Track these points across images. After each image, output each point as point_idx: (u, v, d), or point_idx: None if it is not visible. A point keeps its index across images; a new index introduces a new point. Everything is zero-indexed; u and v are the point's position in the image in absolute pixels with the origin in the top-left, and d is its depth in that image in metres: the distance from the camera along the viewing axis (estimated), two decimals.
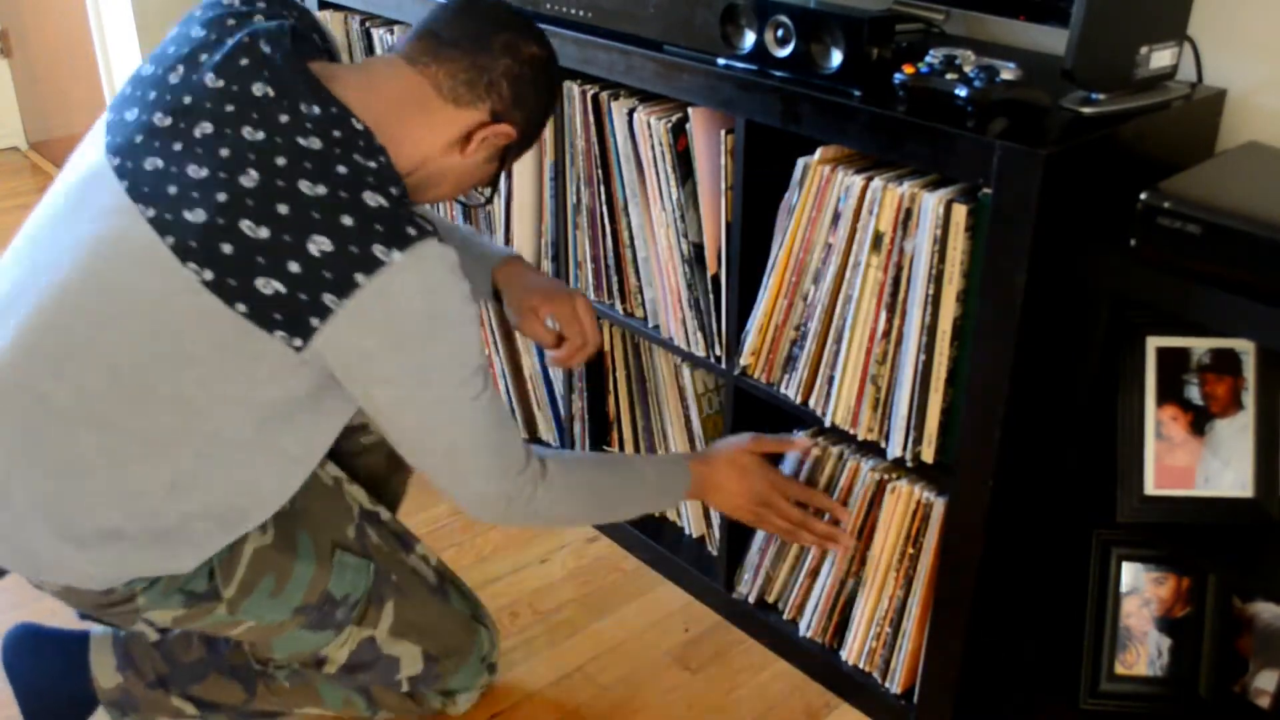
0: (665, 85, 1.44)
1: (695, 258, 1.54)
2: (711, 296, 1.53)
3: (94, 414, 1.07)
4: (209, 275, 1.00)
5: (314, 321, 1.02)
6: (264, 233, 0.99)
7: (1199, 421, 1.22)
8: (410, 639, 1.35)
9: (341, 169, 1.02)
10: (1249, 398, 1.22)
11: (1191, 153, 1.32)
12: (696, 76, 1.39)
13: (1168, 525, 1.21)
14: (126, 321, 1.04)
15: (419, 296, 1.04)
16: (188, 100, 1.05)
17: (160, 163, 1.04)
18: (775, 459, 1.52)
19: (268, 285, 1.00)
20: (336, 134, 1.03)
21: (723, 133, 1.43)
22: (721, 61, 1.38)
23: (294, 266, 1.00)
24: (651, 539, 1.81)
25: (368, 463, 1.50)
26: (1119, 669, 1.35)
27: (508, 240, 1.86)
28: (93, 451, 1.07)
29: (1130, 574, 1.34)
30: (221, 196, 1.00)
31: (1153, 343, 1.22)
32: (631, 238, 1.62)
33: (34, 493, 1.09)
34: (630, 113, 1.52)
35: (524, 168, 1.76)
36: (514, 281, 1.46)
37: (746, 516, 1.45)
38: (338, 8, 2.09)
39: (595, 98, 1.58)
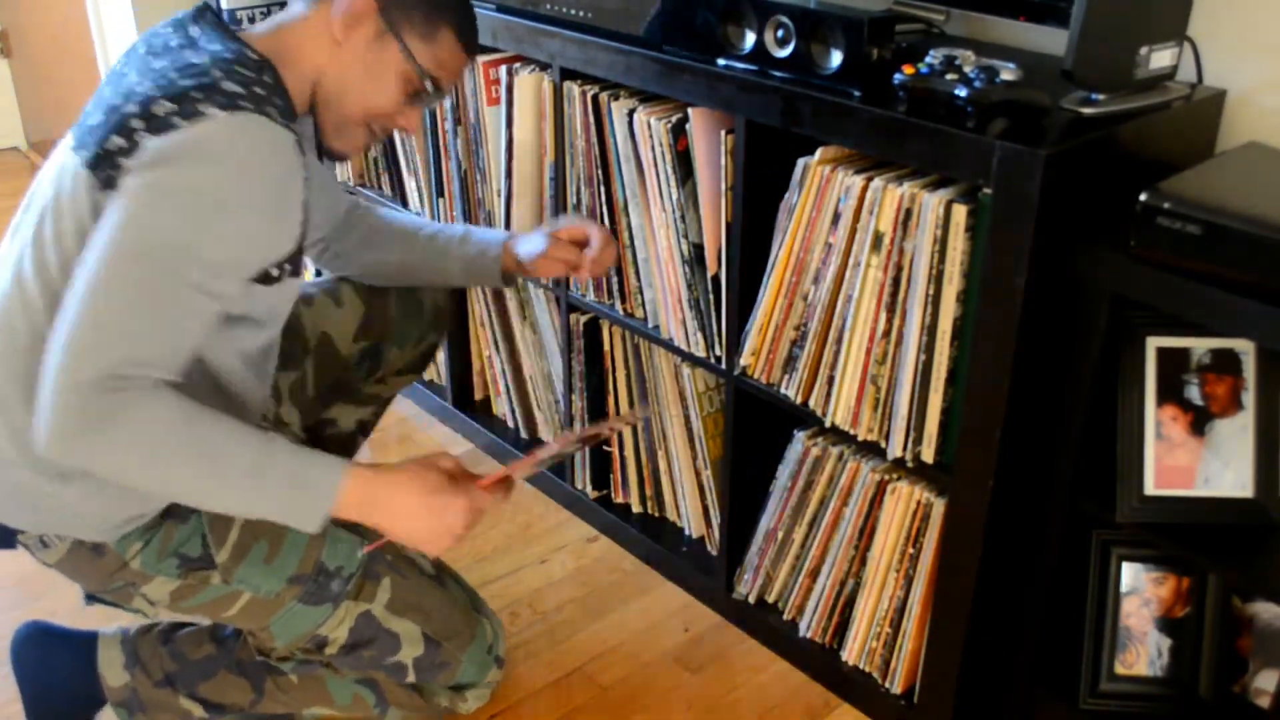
0: (665, 85, 1.44)
1: (695, 258, 1.54)
2: (711, 297, 1.53)
3: (40, 334, 1.09)
4: (85, 154, 1.08)
5: (121, 160, 1.05)
6: (132, 108, 1.05)
7: (1199, 421, 1.22)
8: (409, 617, 1.35)
9: (216, 73, 1.07)
10: (1249, 398, 1.22)
11: (1191, 153, 1.32)
12: (696, 76, 1.39)
13: (1168, 525, 1.21)
14: (55, 235, 1.11)
15: (221, 142, 1.03)
16: (122, 68, 1.16)
17: (93, 111, 1.13)
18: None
19: (112, 142, 1.05)
20: (227, 56, 1.10)
21: (723, 133, 1.43)
22: (721, 62, 1.38)
23: (135, 123, 1.04)
24: (651, 539, 1.81)
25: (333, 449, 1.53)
26: (1119, 669, 1.35)
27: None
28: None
29: (1130, 574, 1.34)
30: (116, 101, 1.08)
31: (1153, 343, 1.22)
32: (631, 238, 1.62)
33: (13, 430, 1.14)
34: (630, 113, 1.52)
35: (524, 167, 1.76)
36: (521, 238, 1.50)
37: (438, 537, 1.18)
38: None
39: (595, 98, 1.58)
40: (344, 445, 1.64)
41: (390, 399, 1.70)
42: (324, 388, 1.54)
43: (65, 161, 1.13)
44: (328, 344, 1.52)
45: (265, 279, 1.13)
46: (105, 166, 1.05)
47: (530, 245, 1.48)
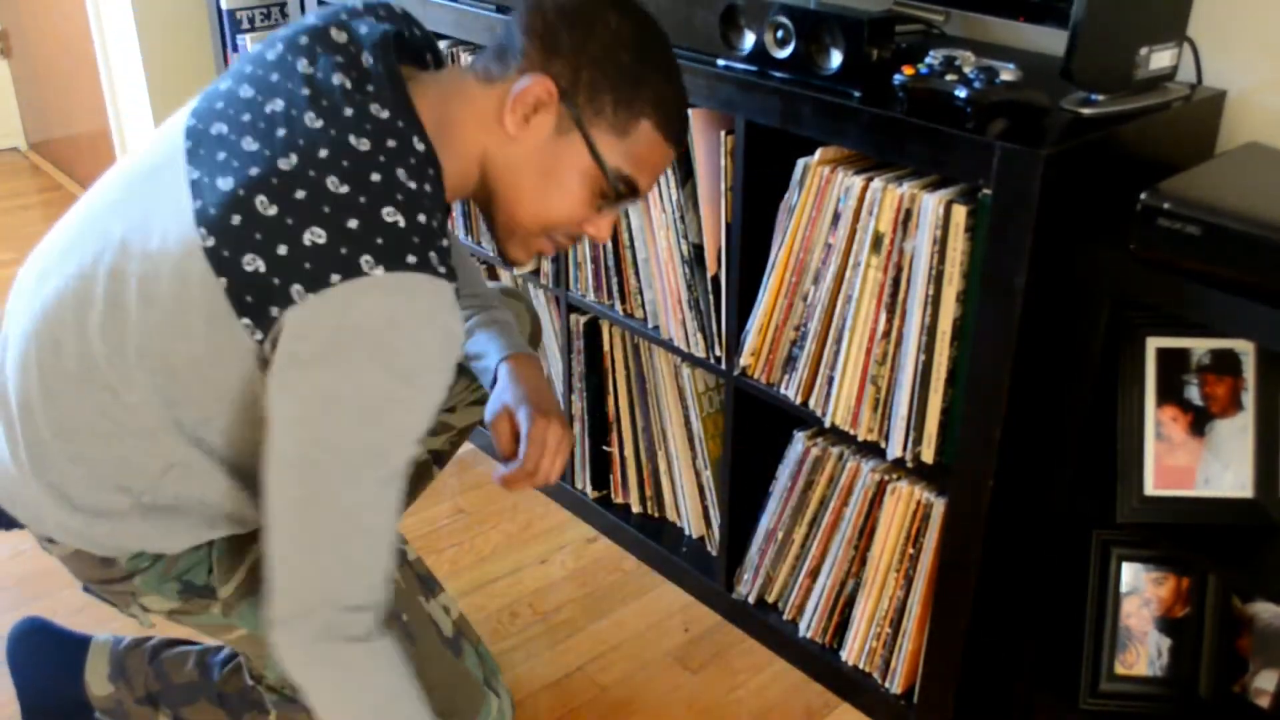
0: None
1: (695, 258, 1.54)
2: (711, 297, 1.53)
3: (87, 374, 1.03)
4: (211, 242, 0.95)
5: (274, 311, 0.93)
6: (272, 211, 0.93)
7: (1199, 422, 1.22)
8: None
9: (376, 177, 0.94)
10: (1249, 398, 1.22)
11: (1191, 153, 1.32)
12: (696, 77, 1.39)
13: (1168, 525, 1.21)
14: (141, 275, 1.00)
15: (381, 319, 0.92)
16: (274, 78, 1.02)
17: (225, 129, 1.00)
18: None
19: (252, 263, 0.93)
20: (391, 144, 0.96)
21: (723, 133, 1.43)
22: (721, 62, 1.38)
23: (282, 249, 0.93)
24: (651, 539, 1.81)
25: None
26: (1119, 669, 1.35)
27: None
28: (85, 415, 1.04)
29: (1130, 574, 1.34)
30: (254, 170, 0.95)
31: (1153, 343, 1.22)
32: (631, 238, 1.62)
33: (33, 451, 1.07)
34: None
35: None
36: (515, 374, 1.28)
37: None
38: None
39: None
40: (417, 475, 1.50)
41: (469, 428, 1.51)
42: None
43: (179, 192, 0.99)
44: None
45: None
46: (242, 288, 0.94)
47: (494, 395, 1.29)
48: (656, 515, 1.87)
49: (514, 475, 1.22)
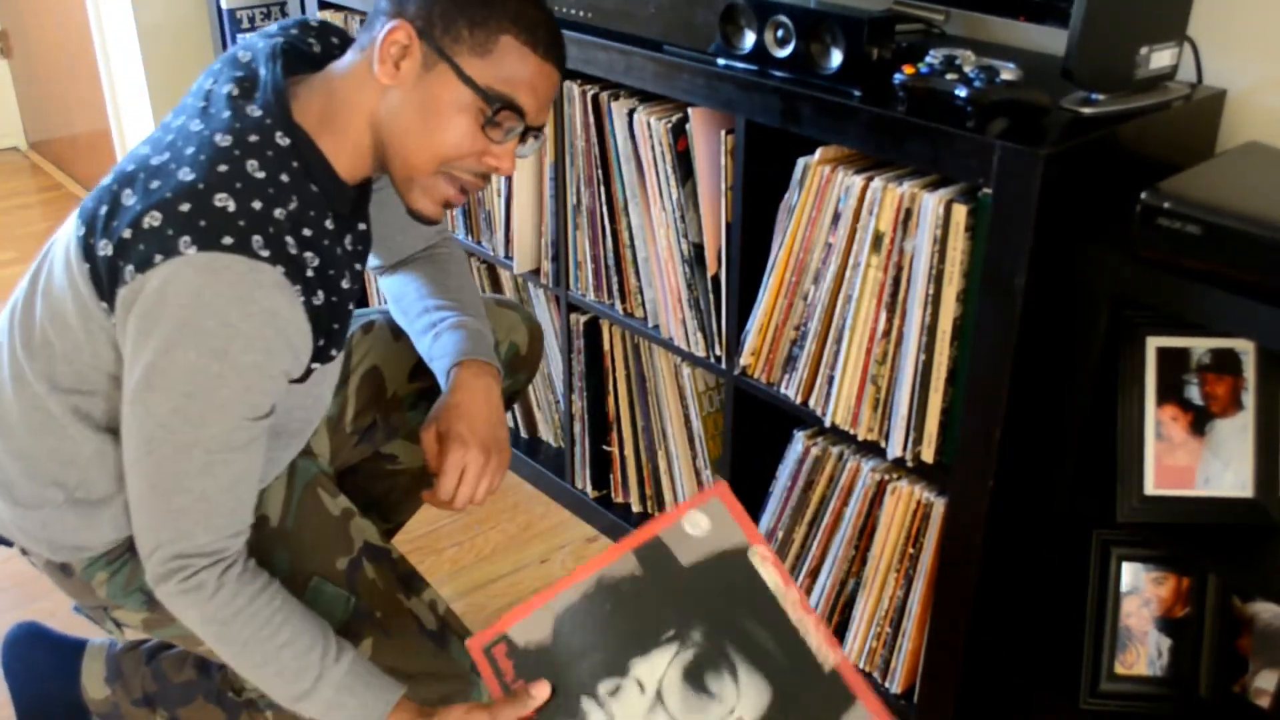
0: (665, 85, 1.44)
1: (695, 258, 1.54)
2: (711, 296, 1.53)
3: (16, 375, 1.11)
4: (81, 231, 1.02)
5: (119, 291, 0.99)
6: (131, 200, 0.99)
7: (1199, 421, 1.22)
8: None
9: (223, 168, 0.98)
10: (1249, 398, 1.22)
11: (1191, 153, 1.32)
12: (696, 76, 1.39)
13: (1168, 525, 1.21)
14: (35, 290, 1.10)
15: (188, 296, 0.95)
16: (188, 100, 1.09)
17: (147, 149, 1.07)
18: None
19: (105, 247, 0.99)
20: (252, 139, 1.01)
21: (723, 133, 1.43)
22: (721, 61, 1.38)
23: (126, 233, 0.98)
24: None
25: (385, 486, 1.48)
26: (1119, 669, 1.35)
27: (508, 240, 1.86)
28: (19, 410, 1.12)
29: (1130, 574, 1.34)
30: (130, 168, 1.02)
31: (1153, 343, 1.22)
32: (631, 238, 1.62)
33: None
34: (630, 113, 1.52)
35: (524, 168, 1.76)
36: (457, 384, 1.25)
37: None
38: (338, 8, 2.10)
39: (595, 98, 1.58)
40: (414, 480, 1.49)
41: None
42: (365, 424, 1.41)
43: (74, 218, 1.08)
44: (376, 379, 1.39)
45: (302, 377, 1.07)
46: (99, 272, 1.01)
47: (433, 408, 1.26)
48: (656, 514, 1.87)
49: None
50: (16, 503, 1.14)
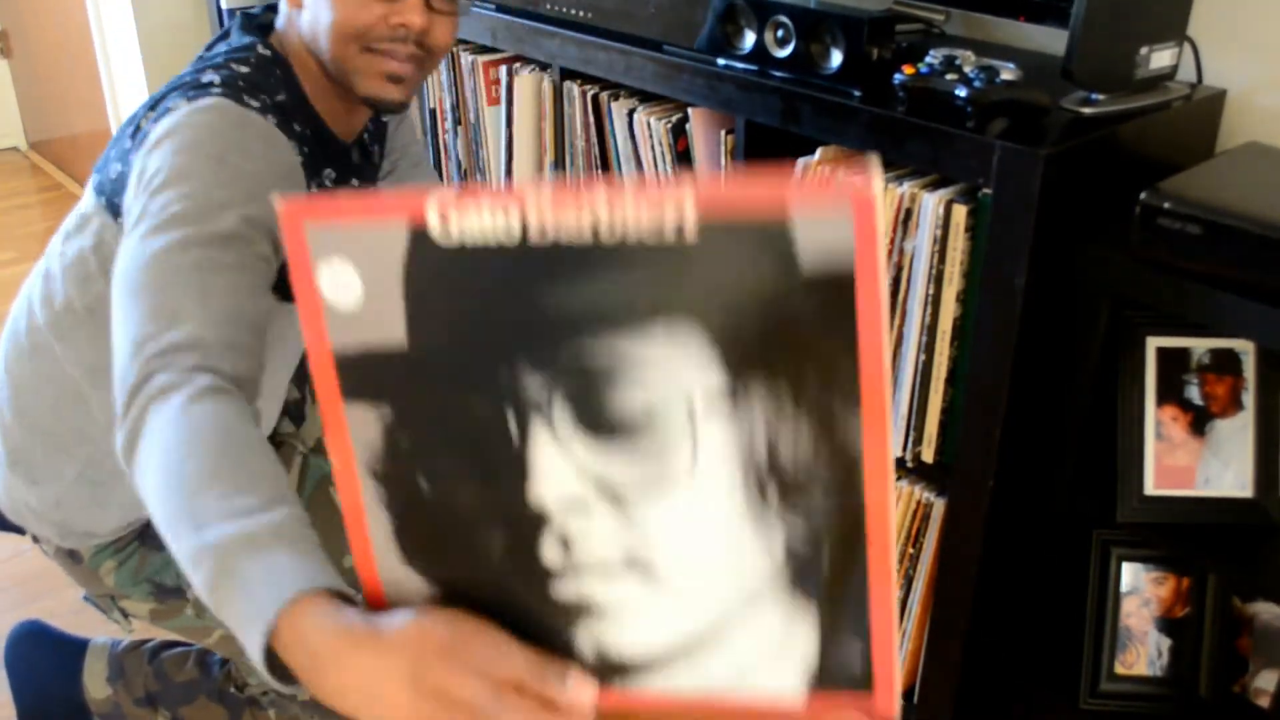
0: (665, 85, 1.44)
1: None
2: None
3: (42, 347, 1.13)
4: (95, 179, 1.08)
5: (123, 189, 1.01)
6: (130, 129, 1.04)
7: (1199, 421, 1.22)
8: None
9: (205, 66, 1.04)
10: (1249, 398, 1.21)
11: (1191, 153, 1.32)
12: (696, 76, 1.39)
13: (1168, 525, 1.21)
14: (50, 256, 1.14)
15: (186, 125, 0.96)
16: None
17: None
18: None
19: (116, 169, 1.05)
20: (243, 54, 1.07)
21: (723, 133, 1.43)
22: (721, 62, 1.38)
23: (127, 143, 1.03)
24: None
25: None
26: (1119, 669, 1.35)
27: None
28: (33, 382, 1.15)
29: (1130, 574, 1.34)
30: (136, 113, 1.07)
31: (1153, 343, 1.22)
32: None
33: (5, 432, 1.17)
34: (630, 113, 1.52)
35: (524, 167, 1.76)
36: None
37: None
38: None
39: (595, 98, 1.58)
40: None
41: None
42: None
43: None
44: None
45: (288, 290, 1.03)
46: (113, 194, 1.06)
47: None
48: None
49: None
50: (33, 481, 1.15)
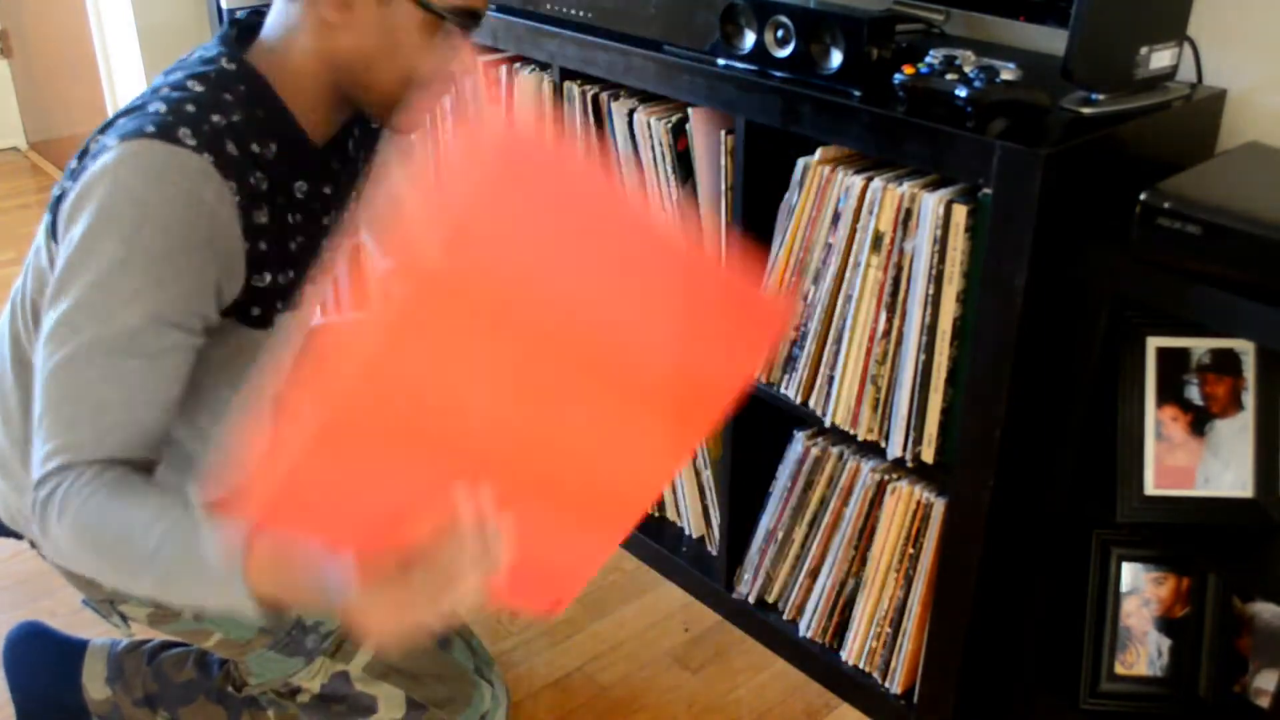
0: (665, 85, 1.44)
1: None
2: None
3: (26, 360, 1.12)
4: (56, 191, 1.02)
5: (55, 221, 0.98)
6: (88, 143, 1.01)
7: (1199, 422, 1.22)
8: (391, 681, 1.26)
9: (165, 90, 1.00)
10: (1249, 398, 1.22)
11: (1191, 153, 1.32)
12: (696, 76, 1.39)
13: (1168, 525, 1.21)
14: (32, 265, 1.10)
15: (108, 179, 0.93)
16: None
17: None
18: None
19: (60, 187, 1.00)
20: (203, 70, 1.02)
21: (722, 133, 1.43)
22: (721, 62, 1.38)
23: (74, 163, 1.00)
24: (652, 539, 1.81)
25: None
26: (1119, 669, 1.35)
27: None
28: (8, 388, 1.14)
29: (1130, 574, 1.34)
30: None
31: (1153, 343, 1.22)
32: None
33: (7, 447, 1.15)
34: (630, 113, 1.52)
35: None
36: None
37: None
38: None
39: (595, 98, 1.58)
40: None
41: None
42: None
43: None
44: None
45: (252, 319, 1.04)
46: (55, 212, 1.01)
47: None
48: (656, 515, 1.87)
49: None
50: (22, 489, 1.15)
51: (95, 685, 1.38)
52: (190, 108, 0.98)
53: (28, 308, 1.10)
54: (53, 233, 1.00)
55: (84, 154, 1.00)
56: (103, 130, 1.01)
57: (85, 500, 0.90)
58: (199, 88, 1.00)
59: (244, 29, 1.10)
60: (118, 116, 1.01)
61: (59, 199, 1.00)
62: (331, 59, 1.05)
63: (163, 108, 0.97)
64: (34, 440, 0.94)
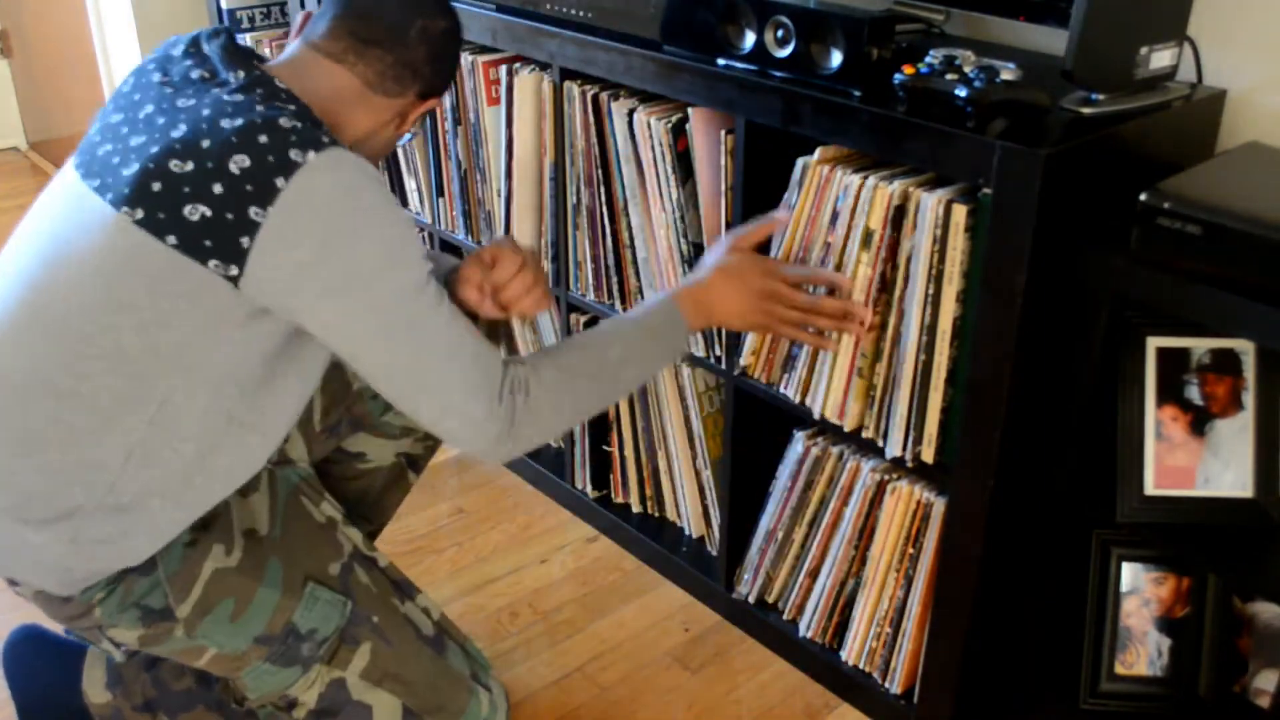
0: (665, 85, 1.44)
1: (695, 258, 1.54)
2: None
3: (47, 381, 1.07)
4: (139, 214, 1.03)
5: (244, 241, 1.02)
6: (189, 166, 1.03)
7: (1199, 422, 1.22)
8: (387, 688, 1.26)
9: (260, 108, 1.06)
10: (1249, 398, 1.22)
11: (1191, 153, 1.32)
12: (696, 76, 1.39)
13: (1168, 525, 1.21)
14: (72, 281, 1.07)
15: (339, 191, 1.04)
16: (137, 97, 1.13)
17: (110, 146, 1.10)
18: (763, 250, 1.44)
19: (194, 211, 1.02)
20: (260, 91, 1.09)
21: (722, 133, 1.43)
22: (721, 61, 1.38)
23: (217, 188, 1.02)
24: (652, 539, 1.81)
25: (360, 486, 1.49)
26: (1119, 669, 1.35)
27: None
28: (47, 422, 1.07)
29: (1130, 574, 1.34)
30: (154, 149, 1.05)
31: (1153, 343, 1.22)
32: (631, 238, 1.62)
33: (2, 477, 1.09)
34: (630, 113, 1.52)
35: (524, 167, 1.77)
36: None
37: (759, 319, 1.34)
38: None
39: (595, 98, 1.58)
40: (389, 478, 1.52)
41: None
42: (333, 421, 1.42)
43: (89, 204, 1.07)
44: (340, 373, 1.41)
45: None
46: (197, 237, 1.03)
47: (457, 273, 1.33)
48: (656, 515, 1.87)
49: (496, 279, 1.27)
50: (41, 527, 1.10)
51: (95, 690, 1.38)
52: (311, 124, 1.07)
53: (73, 333, 1.06)
54: (195, 252, 1.03)
55: (214, 178, 1.03)
56: (203, 150, 1.04)
57: (557, 362, 1.18)
58: (290, 105, 1.08)
59: (243, 52, 1.15)
60: (195, 133, 1.04)
61: (202, 221, 1.02)
62: (370, 140, 1.21)
63: (295, 123, 1.05)
64: (433, 402, 1.12)
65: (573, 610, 1.72)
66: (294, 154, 1.03)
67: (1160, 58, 1.23)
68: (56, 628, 1.45)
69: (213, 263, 1.02)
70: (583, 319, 1.78)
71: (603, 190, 1.63)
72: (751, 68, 1.35)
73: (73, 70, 3.13)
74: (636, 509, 1.88)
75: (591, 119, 1.59)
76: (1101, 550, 1.35)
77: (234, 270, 1.03)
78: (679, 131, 1.48)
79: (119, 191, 1.05)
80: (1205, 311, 1.07)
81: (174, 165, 1.03)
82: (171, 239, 1.02)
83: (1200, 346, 1.22)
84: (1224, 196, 1.08)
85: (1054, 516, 1.28)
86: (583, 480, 1.91)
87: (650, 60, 1.45)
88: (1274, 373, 1.21)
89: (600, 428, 1.86)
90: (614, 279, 1.68)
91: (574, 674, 1.60)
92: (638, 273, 1.64)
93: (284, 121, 1.05)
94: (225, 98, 1.07)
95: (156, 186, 1.03)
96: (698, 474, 1.75)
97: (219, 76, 1.11)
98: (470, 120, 1.85)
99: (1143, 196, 1.09)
